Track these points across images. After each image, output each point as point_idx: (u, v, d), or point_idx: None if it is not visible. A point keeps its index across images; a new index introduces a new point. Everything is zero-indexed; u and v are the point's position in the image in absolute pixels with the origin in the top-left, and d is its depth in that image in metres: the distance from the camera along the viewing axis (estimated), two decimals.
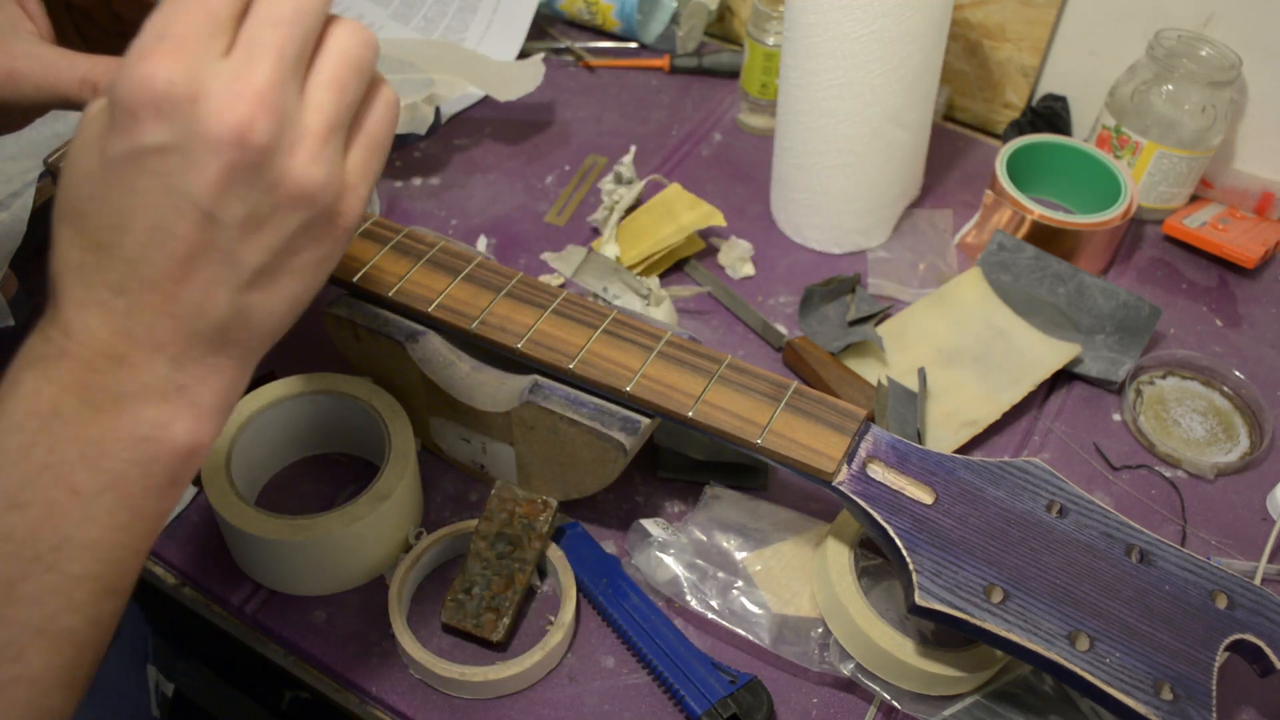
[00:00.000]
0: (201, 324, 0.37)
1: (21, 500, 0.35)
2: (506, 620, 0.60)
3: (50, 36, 0.49)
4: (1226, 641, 0.51)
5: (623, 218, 0.83)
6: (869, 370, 0.75)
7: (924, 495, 0.55)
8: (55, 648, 0.36)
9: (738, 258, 0.84)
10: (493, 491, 0.63)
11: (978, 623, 0.51)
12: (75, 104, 0.47)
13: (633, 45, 1.06)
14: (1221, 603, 0.52)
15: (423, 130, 0.85)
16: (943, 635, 0.58)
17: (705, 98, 1.01)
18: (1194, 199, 0.90)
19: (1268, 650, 0.52)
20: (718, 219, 0.82)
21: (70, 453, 0.36)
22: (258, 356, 0.40)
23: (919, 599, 0.51)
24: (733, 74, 1.02)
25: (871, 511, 0.54)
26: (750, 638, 0.60)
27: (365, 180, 0.40)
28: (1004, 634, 0.50)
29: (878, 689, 0.58)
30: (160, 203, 0.35)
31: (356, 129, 0.39)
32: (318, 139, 0.37)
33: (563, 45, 1.05)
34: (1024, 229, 0.81)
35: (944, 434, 0.71)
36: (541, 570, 0.64)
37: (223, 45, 0.35)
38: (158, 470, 0.37)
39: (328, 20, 0.38)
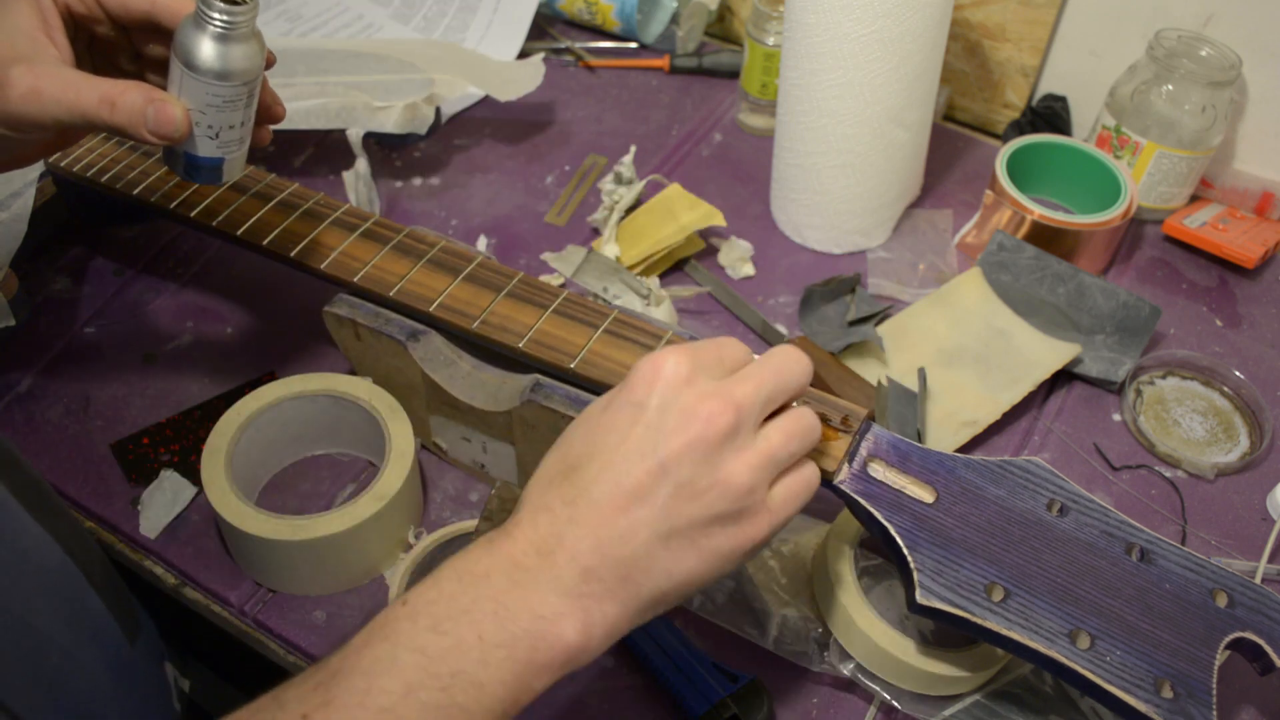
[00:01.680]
0: (617, 552, 0.45)
1: (442, 629, 0.43)
2: None
3: (72, 63, 0.53)
4: (1227, 640, 0.51)
5: (623, 218, 0.83)
6: (869, 370, 0.75)
7: (925, 494, 0.55)
8: None
9: (738, 258, 0.84)
10: (493, 491, 0.63)
11: (979, 621, 0.51)
12: (95, 123, 0.51)
13: (633, 45, 1.06)
14: (1222, 601, 0.52)
15: (423, 130, 0.85)
16: (943, 635, 0.58)
17: (705, 98, 1.01)
18: (1194, 199, 0.90)
19: (1268, 648, 0.52)
20: (718, 219, 0.82)
21: (486, 607, 0.43)
22: (642, 610, 0.46)
23: (920, 598, 0.51)
24: (733, 74, 1.02)
25: (873, 510, 0.54)
26: (750, 638, 0.60)
27: (780, 511, 0.48)
28: (1005, 632, 0.50)
29: (878, 689, 0.58)
30: (631, 446, 0.45)
31: (786, 474, 0.49)
32: (757, 455, 0.47)
33: (563, 45, 1.05)
34: (1024, 229, 0.81)
35: (944, 434, 0.71)
36: None
37: (720, 372, 0.48)
38: (542, 650, 0.44)
39: (801, 401, 0.51)
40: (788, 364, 0.49)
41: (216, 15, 0.50)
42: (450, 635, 0.43)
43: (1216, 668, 0.50)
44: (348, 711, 0.41)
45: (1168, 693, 0.49)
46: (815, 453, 0.56)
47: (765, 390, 0.47)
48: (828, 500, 0.68)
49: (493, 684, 0.42)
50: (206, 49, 0.51)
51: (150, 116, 0.51)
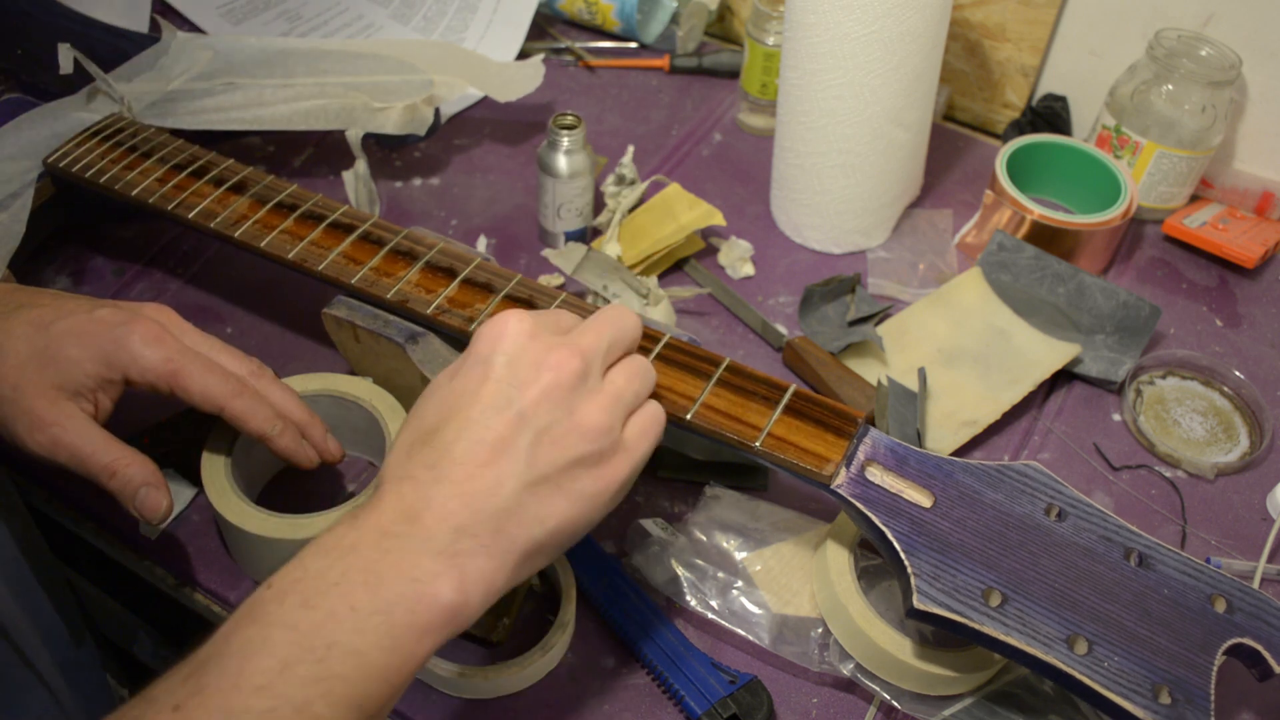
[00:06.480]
0: (487, 505, 0.45)
1: (312, 604, 0.42)
2: (506, 620, 0.60)
3: (104, 420, 0.58)
4: (1225, 645, 0.51)
5: (623, 218, 0.83)
6: (869, 370, 0.75)
7: (922, 498, 0.55)
8: None
9: (738, 258, 0.84)
10: None
11: (976, 626, 0.51)
12: (94, 479, 0.56)
13: (633, 45, 1.06)
14: (1220, 606, 0.52)
15: (422, 131, 0.85)
16: (942, 636, 0.58)
17: (705, 98, 1.01)
18: (1194, 199, 0.90)
19: (1266, 654, 0.52)
20: (717, 219, 0.82)
21: (356, 578, 0.43)
22: (519, 563, 0.47)
23: (917, 602, 0.51)
24: (733, 74, 1.02)
25: (870, 515, 0.54)
26: (750, 638, 0.60)
27: (636, 448, 0.51)
28: (1002, 638, 0.50)
29: (878, 689, 0.58)
30: (486, 401, 0.47)
31: (635, 414, 0.51)
32: (607, 396, 0.49)
33: (563, 45, 1.05)
34: (1024, 229, 0.81)
35: (944, 434, 0.71)
36: (541, 570, 0.64)
37: (558, 331, 0.51)
38: (420, 613, 0.43)
39: (638, 351, 0.54)
40: (620, 318, 0.52)
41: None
42: (321, 609, 0.42)
43: (1214, 673, 0.50)
44: (222, 695, 0.40)
45: (1165, 698, 0.49)
46: (812, 457, 0.56)
47: (605, 339, 0.51)
48: (827, 501, 0.68)
49: (371, 651, 0.42)
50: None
51: (139, 498, 0.55)
